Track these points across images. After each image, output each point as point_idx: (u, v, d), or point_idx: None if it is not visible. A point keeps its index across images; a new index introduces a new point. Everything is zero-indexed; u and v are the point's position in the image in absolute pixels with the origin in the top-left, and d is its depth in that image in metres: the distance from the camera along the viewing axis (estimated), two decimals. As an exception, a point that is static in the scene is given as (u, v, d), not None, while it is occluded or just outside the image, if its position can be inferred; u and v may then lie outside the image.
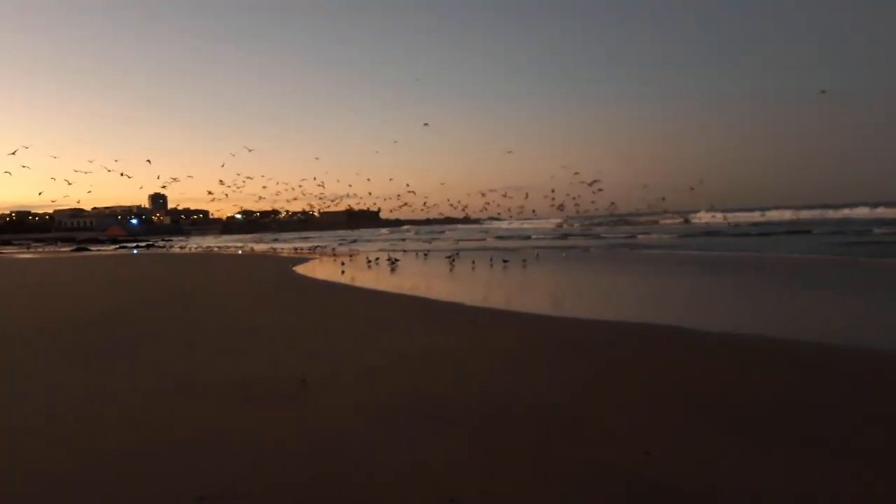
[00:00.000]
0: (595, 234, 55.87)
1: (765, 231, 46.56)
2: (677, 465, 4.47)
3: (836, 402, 6.03)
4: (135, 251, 57.87)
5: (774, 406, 5.88)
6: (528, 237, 55.90)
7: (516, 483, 4.23)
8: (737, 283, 17.71)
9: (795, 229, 46.48)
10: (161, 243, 76.09)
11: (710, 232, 48.95)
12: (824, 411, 5.71)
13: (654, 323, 10.53)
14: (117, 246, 73.54)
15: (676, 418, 5.55)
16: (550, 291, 17.06)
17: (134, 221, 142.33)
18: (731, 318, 11.43)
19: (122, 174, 64.75)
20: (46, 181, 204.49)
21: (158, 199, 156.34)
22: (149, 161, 62.60)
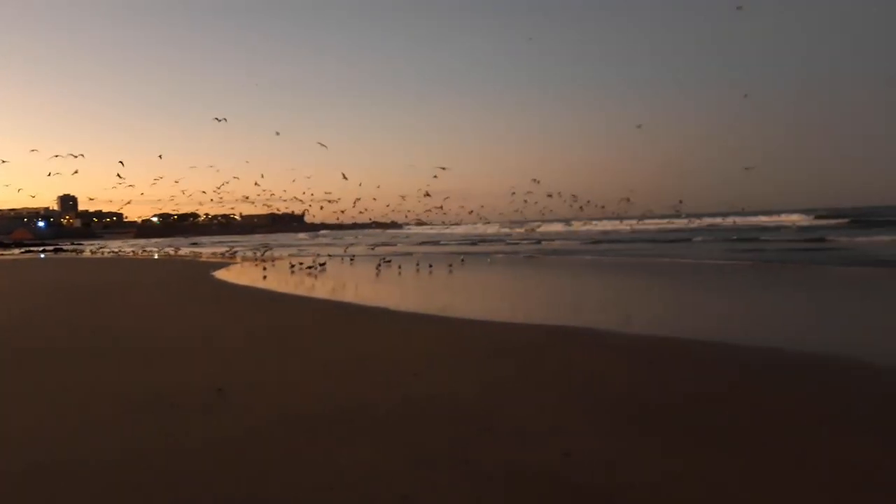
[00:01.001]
0: (505, 240, 56.83)
1: (669, 238, 47.62)
2: (595, 465, 4.57)
3: (730, 395, 6.32)
4: (42, 255, 54.93)
5: (681, 402, 6.11)
6: (438, 242, 57.21)
7: (434, 486, 4.22)
8: (638, 286, 18.33)
9: (696, 236, 47.82)
10: (70, 247, 72.48)
11: (615, 239, 50.08)
12: (723, 405, 5.98)
13: (570, 325, 10.79)
14: (23, 250, 69.77)
15: (596, 418, 5.68)
16: (475, 295, 17.17)
17: (41, 224, 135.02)
18: (637, 319, 11.86)
19: (121, 164, 57.58)
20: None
21: (68, 201, 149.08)
22: (160, 156, 57.67)
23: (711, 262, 25.89)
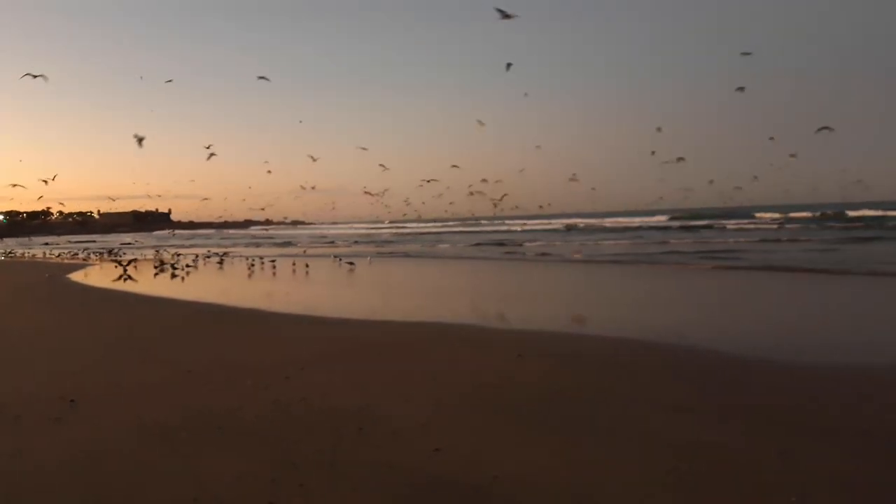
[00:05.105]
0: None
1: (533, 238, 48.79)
2: (463, 459, 4.69)
3: (585, 384, 6.70)
4: None
5: (547, 394, 6.38)
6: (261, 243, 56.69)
7: (303, 492, 4.17)
8: (503, 282, 19.00)
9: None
10: None
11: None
12: (581, 394, 6.34)
13: (440, 322, 11.03)
14: None
15: (466, 413, 5.82)
16: (347, 295, 17.03)
17: None
18: (507, 314, 12.27)
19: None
20: None
21: None
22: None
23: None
